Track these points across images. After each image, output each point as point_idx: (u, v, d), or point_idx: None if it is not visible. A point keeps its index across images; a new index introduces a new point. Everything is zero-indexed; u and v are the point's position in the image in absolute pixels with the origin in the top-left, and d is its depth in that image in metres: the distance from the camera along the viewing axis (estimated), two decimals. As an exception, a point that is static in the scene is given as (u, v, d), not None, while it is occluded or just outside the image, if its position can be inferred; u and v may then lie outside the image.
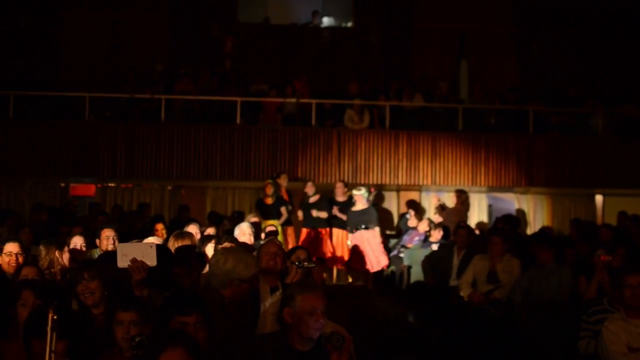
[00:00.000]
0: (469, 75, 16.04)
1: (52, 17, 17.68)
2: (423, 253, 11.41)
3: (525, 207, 16.11)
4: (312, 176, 14.13)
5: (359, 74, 16.48)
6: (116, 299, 4.17)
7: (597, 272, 6.99)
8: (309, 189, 13.07)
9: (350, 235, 12.66)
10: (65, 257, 6.50)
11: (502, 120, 15.46)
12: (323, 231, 12.93)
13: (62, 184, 15.33)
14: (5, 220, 9.80)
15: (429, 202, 15.47)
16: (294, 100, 14.98)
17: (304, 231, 12.99)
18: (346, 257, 12.78)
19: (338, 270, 13.29)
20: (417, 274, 11.41)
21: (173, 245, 6.45)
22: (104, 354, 3.97)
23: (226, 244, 6.08)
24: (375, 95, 15.60)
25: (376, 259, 12.51)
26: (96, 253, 7.20)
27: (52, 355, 3.25)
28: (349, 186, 13.33)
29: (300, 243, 12.60)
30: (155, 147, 14.41)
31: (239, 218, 12.31)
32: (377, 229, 12.60)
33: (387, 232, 14.89)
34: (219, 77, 16.06)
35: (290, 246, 11.65)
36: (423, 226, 13.04)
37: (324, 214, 12.75)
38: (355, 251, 12.60)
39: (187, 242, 6.52)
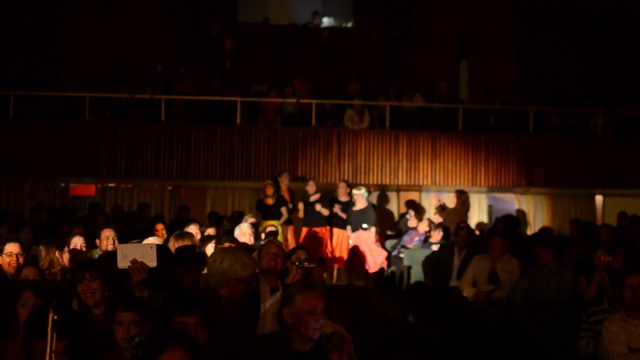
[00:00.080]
0: (469, 76, 16.04)
1: (52, 17, 17.68)
2: (423, 253, 11.41)
3: (525, 208, 16.11)
4: (312, 176, 14.12)
5: (359, 74, 16.48)
6: (116, 299, 4.17)
7: (597, 272, 7.00)
8: (310, 187, 13.09)
9: (351, 234, 12.70)
10: (65, 257, 6.50)
11: (502, 121, 15.45)
12: (323, 230, 12.94)
13: (62, 184, 15.33)
14: (5, 220, 9.80)
15: (429, 203, 15.47)
16: (294, 100, 14.98)
17: (304, 230, 13.00)
18: (346, 257, 12.80)
19: (338, 270, 13.29)
20: (417, 274, 11.41)
21: (173, 245, 6.45)
22: (104, 354, 3.97)
23: (226, 245, 6.08)
24: (376, 95, 15.60)
25: (373, 259, 12.53)
26: (96, 253, 7.20)
27: (52, 355, 3.25)
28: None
29: (300, 242, 12.61)
30: (155, 147, 14.41)
31: (239, 218, 12.31)
32: (373, 229, 12.62)
33: (388, 232, 14.92)
34: (219, 77, 16.06)
35: (290, 246, 11.67)
36: (423, 226, 13.05)
37: (325, 211, 12.79)
38: (355, 251, 12.63)
39: (187, 242, 6.52)
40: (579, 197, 16.17)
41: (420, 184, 14.92)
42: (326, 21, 19.30)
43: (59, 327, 3.26)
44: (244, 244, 7.02)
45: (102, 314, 4.42)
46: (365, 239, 12.56)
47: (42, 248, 6.54)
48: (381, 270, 13.06)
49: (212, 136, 14.53)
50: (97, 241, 7.30)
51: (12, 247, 6.28)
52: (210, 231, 8.70)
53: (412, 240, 12.91)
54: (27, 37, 17.52)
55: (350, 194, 12.95)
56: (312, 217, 12.89)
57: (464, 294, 8.48)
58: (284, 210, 12.74)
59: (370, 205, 12.99)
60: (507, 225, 11.58)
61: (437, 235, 12.22)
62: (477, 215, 15.68)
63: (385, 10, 18.94)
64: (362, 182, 14.31)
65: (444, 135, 14.94)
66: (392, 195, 15.79)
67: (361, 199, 12.75)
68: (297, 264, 5.63)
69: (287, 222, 12.90)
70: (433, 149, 14.84)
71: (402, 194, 15.72)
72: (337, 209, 12.79)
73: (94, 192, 15.57)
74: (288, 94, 15.02)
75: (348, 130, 14.78)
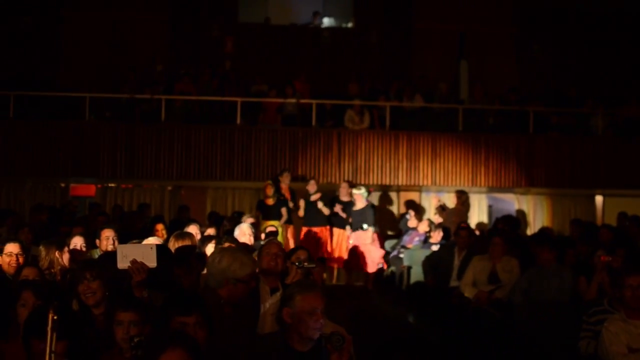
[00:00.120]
0: (469, 76, 16.04)
1: (52, 17, 17.68)
2: (423, 253, 11.41)
3: (525, 208, 16.10)
4: (312, 177, 14.12)
5: (359, 74, 16.48)
6: (116, 300, 4.17)
7: (597, 272, 6.99)
8: (311, 187, 13.10)
9: (351, 234, 12.71)
10: (65, 257, 6.50)
11: (502, 121, 15.45)
12: (323, 230, 12.94)
13: (62, 184, 15.33)
14: (5, 220, 9.80)
15: (429, 203, 15.47)
16: (294, 100, 14.98)
17: (304, 230, 13.00)
18: (345, 257, 12.81)
19: (338, 270, 13.30)
20: (417, 275, 11.41)
21: (173, 245, 6.44)
22: (104, 354, 3.97)
23: (226, 245, 6.08)
24: (376, 95, 15.60)
25: (370, 259, 12.55)
26: (96, 253, 7.20)
27: (52, 355, 3.25)
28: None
29: (300, 242, 12.62)
30: (155, 148, 14.41)
31: (239, 218, 12.32)
32: (370, 229, 12.63)
33: (389, 232, 14.92)
34: (219, 78, 16.06)
35: (290, 246, 11.68)
36: (423, 227, 13.05)
37: (326, 210, 12.80)
38: (354, 251, 12.65)
39: (187, 242, 6.52)
40: (579, 198, 16.17)
41: (421, 184, 14.92)
42: (326, 21, 19.31)
43: (58, 327, 3.26)
44: (244, 244, 7.01)
45: (102, 314, 4.42)
46: (364, 239, 12.58)
47: (42, 248, 6.54)
48: (381, 270, 13.07)
49: (212, 136, 14.53)
50: (97, 241, 7.30)
51: (12, 247, 6.28)
52: (210, 231, 8.70)
53: (412, 241, 12.91)
54: (27, 37, 17.53)
55: (351, 194, 12.97)
56: (313, 217, 12.89)
57: (465, 294, 8.48)
58: (284, 210, 12.75)
59: (370, 205, 12.99)
60: (507, 226, 11.58)
61: (437, 236, 12.22)
62: (477, 215, 15.68)
63: (386, 11, 18.94)
64: (362, 182, 14.30)
65: (444, 135, 14.94)
66: (392, 196, 15.79)
67: (361, 198, 12.77)
68: (297, 264, 5.63)
69: (287, 222, 12.91)
70: (433, 149, 14.84)
71: (402, 194, 15.72)
72: (338, 208, 12.80)
73: (94, 192, 15.57)
74: (288, 94, 15.02)
75: (348, 131, 14.78)
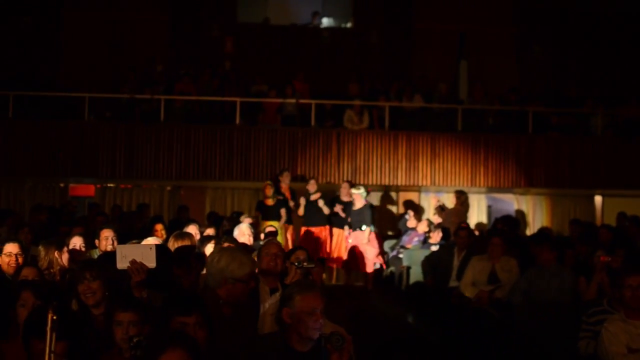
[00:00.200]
0: (469, 76, 16.03)
1: (52, 17, 17.68)
2: (422, 254, 11.41)
3: (524, 208, 16.11)
4: (311, 177, 14.12)
5: (358, 74, 16.48)
6: (115, 300, 4.17)
7: (596, 273, 6.99)
8: (311, 186, 13.10)
9: (351, 234, 12.72)
10: (65, 257, 6.50)
11: (502, 121, 15.45)
12: (323, 230, 12.95)
13: (62, 185, 15.33)
14: (4, 220, 9.80)
15: (428, 203, 15.47)
16: (293, 100, 14.98)
17: (304, 230, 13.00)
18: (344, 257, 12.82)
19: (337, 271, 13.30)
20: (416, 275, 11.41)
21: (173, 245, 6.44)
22: (103, 354, 3.97)
23: (225, 245, 6.08)
24: (375, 95, 15.61)
25: (367, 259, 12.56)
26: (95, 253, 7.20)
27: (52, 355, 3.25)
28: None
29: (299, 242, 12.62)
30: (154, 148, 14.41)
31: (238, 219, 12.32)
32: (367, 230, 12.63)
33: (389, 232, 14.92)
34: (220, 78, 16.07)
35: (290, 246, 11.68)
36: (422, 227, 13.06)
37: (326, 209, 12.81)
38: (352, 251, 12.66)
39: (186, 242, 6.51)
40: (579, 198, 16.17)
41: (420, 184, 14.92)
42: (326, 21, 19.31)
43: (58, 328, 3.26)
44: (243, 245, 7.01)
45: (101, 314, 4.42)
46: (361, 239, 12.59)
47: (41, 248, 6.53)
48: (380, 270, 13.08)
49: (212, 136, 14.53)
50: (97, 241, 7.30)
51: (11, 247, 6.28)
52: (210, 231, 8.69)
53: (411, 241, 12.92)
54: (27, 37, 17.52)
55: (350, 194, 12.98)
56: (312, 216, 12.90)
57: (466, 294, 8.48)
58: (283, 212, 12.74)
59: (368, 205, 12.99)
60: (507, 226, 11.58)
61: (436, 236, 12.22)
62: (477, 215, 15.68)
63: (385, 11, 18.94)
64: (362, 182, 14.30)
65: (443, 135, 14.94)
66: (391, 196, 15.79)
67: (359, 198, 12.77)
68: (296, 264, 5.63)
69: (287, 222, 12.91)
70: (432, 150, 14.84)
71: (402, 194, 15.73)
72: (338, 208, 12.80)
73: (94, 193, 15.58)
74: (288, 94, 15.03)
75: (347, 131, 14.78)
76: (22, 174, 14.50)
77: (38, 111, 14.61)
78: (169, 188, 15.52)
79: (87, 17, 17.51)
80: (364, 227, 12.60)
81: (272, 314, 4.58)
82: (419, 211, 15.10)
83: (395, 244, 13.33)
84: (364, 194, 12.91)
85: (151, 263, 4.58)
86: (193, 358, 3.07)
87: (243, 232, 7.77)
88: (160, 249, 4.99)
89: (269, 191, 12.78)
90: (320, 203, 12.83)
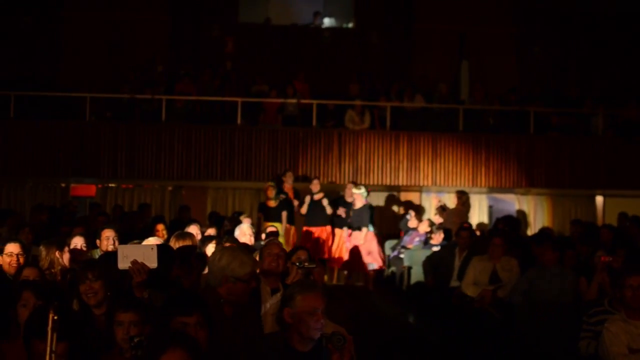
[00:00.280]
0: (470, 76, 16.03)
1: (52, 17, 17.68)
2: (423, 254, 11.42)
3: (525, 208, 16.11)
4: (316, 176, 14.11)
5: (359, 74, 16.48)
6: (116, 300, 4.17)
7: (597, 273, 6.99)
8: (315, 186, 13.11)
9: (352, 234, 12.73)
10: (66, 257, 6.50)
11: (503, 121, 15.45)
12: (324, 230, 12.95)
13: (63, 185, 15.33)
14: (5, 220, 9.80)
15: (430, 203, 15.47)
16: (294, 101, 14.98)
17: (305, 229, 13.01)
18: (344, 258, 12.82)
19: (339, 271, 13.31)
20: (417, 275, 11.42)
21: (174, 245, 6.44)
22: (104, 354, 3.97)
23: (227, 245, 6.08)
24: (376, 96, 15.61)
25: (365, 259, 12.57)
26: (96, 253, 7.20)
27: (53, 355, 3.25)
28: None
29: (300, 242, 12.63)
30: (155, 148, 14.42)
31: (239, 218, 12.32)
32: (364, 230, 12.63)
33: (389, 232, 14.92)
34: (220, 78, 16.07)
35: (292, 246, 11.67)
36: (423, 227, 13.06)
37: (329, 209, 12.82)
38: (351, 252, 12.66)
39: (188, 242, 6.50)
40: (580, 198, 16.17)
41: (421, 184, 14.93)
42: (327, 22, 19.30)
43: (59, 328, 3.26)
44: (245, 245, 7.01)
45: (103, 314, 4.42)
46: (359, 239, 12.61)
47: (42, 248, 6.53)
48: (381, 270, 13.08)
49: (213, 136, 14.54)
50: (98, 241, 7.29)
51: (12, 248, 6.28)
52: (211, 231, 8.70)
53: (412, 241, 12.92)
54: (28, 37, 17.52)
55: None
56: (315, 216, 12.91)
57: (469, 293, 8.48)
58: (284, 214, 12.74)
59: (368, 205, 12.99)
60: (508, 226, 11.59)
61: (438, 238, 12.21)
62: (478, 215, 15.68)
63: (386, 11, 18.94)
64: (363, 182, 14.29)
65: (444, 135, 14.94)
66: (392, 196, 15.79)
67: (360, 198, 12.78)
68: (297, 264, 5.63)
69: (289, 222, 12.92)
70: (433, 150, 14.84)
71: (403, 194, 15.73)
72: (341, 211, 12.81)
73: (95, 193, 15.58)
74: (289, 94, 15.03)
75: (348, 131, 14.78)
76: (22, 174, 14.50)
77: (38, 111, 14.61)
78: (170, 188, 15.52)
79: (87, 17, 17.50)
80: (364, 229, 12.62)
81: (273, 313, 4.58)
82: (420, 211, 15.09)
83: (397, 244, 13.34)
84: (365, 193, 12.92)
85: (152, 263, 4.58)
86: (193, 358, 3.07)
87: (244, 232, 7.78)
88: (163, 248, 4.99)
89: (271, 193, 12.78)
90: (325, 202, 12.85)
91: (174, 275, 5.13)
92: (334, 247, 12.96)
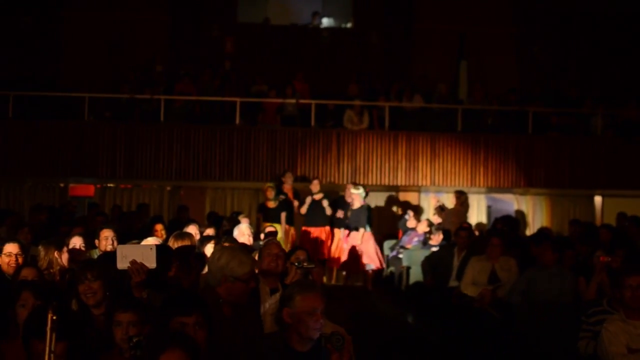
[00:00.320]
0: (469, 76, 16.03)
1: (52, 17, 17.67)
2: (422, 254, 11.42)
3: (524, 208, 16.11)
4: (311, 177, 14.11)
5: (358, 74, 16.48)
6: (115, 300, 4.17)
7: (596, 273, 6.99)
8: (315, 186, 13.11)
9: (350, 234, 12.73)
10: (64, 257, 6.49)
11: (502, 121, 15.45)
12: (323, 231, 12.95)
13: (62, 184, 15.33)
14: (4, 220, 9.79)
15: (428, 203, 15.47)
16: (293, 101, 14.98)
17: (305, 230, 13.01)
18: (342, 258, 12.82)
19: (338, 271, 13.31)
20: (416, 275, 11.42)
21: (173, 245, 6.44)
22: (103, 354, 3.97)
23: (226, 245, 6.08)
24: (375, 96, 15.61)
25: (364, 257, 12.57)
26: (95, 253, 7.19)
27: (52, 356, 3.25)
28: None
29: (299, 242, 12.63)
30: (154, 148, 14.41)
31: (238, 219, 12.32)
32: (361, 230, 12.63)
33: (388, 232, 14.92)
34: (220, 78, 16.07)
35: (291, 246, 11.67)
36: (422, 227, 13.05)
37: (329, 210, 12.82)
38: (349, 252, 12.66)
39: (186, 242, 6.50)
40: (579, 198, 16.17)
41: (420, 184, 14.93)
42: (326, 22, 19.31)
43: (58, 328, 3.26)
44: (243, 245, 7.01)
45: (102, 314, 4.42)
46: (356, 239, 12.61)
47: (41, 248, 6.52)
48: (380, 270, 13.08)
49: (212, 136, 14.53)
50: (96, 241, 7.29)
51: (11, 248, 6.27)
52: (210, 231, 8.69)
53: (411, 241, 12.92)
54: (28, 37, 17.52)
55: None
56: (314, 217, 12.91)
57: (469, 293, 8.47)
58: (283, 215, 12.74)
59: (366, 206, 12.98)
60: (506, 226, 11.59)
61: (437, 239, 12.21)
62: (476, 215, 15.68)
63: (385, 11, 18.94)
64: (362, 182, 14.29)
65: (443, 135, 14.94)
66: (391, 196, 15.78)
67: (358, 198, 12.77)
68: (296, 264, 5.63)
69: (288, 222, 12.91)
70: (432, 150, 14.84)
71: (401, 194, 15.73)
72: (340, 214, 12.82)
73: (93, 193, 15.58)
74: (288, 94, 15.02)
75: (347, 131, 14.78)
76: (21, 173, 14.50)
77: (38, 111, 14.61)
78: (168, 188, 15.52)
79: (87, 17, 17.50)
80: (360, 230, 12.62)
81: (272, 313, 4.58)
82: (418, 211, 15.09)
83: (395, 244, 13.34)
84: (363, 194, 12.92)
85: (151, 263, 4.58)
86: (192, 358, 3.07)
87: (243, 232, 7.78)
88: (160, 249, 4.99)
89: (271, 194, 12.79)
90: (325, 203, 12.84)
91: (171, 276, 5.12)
92: (332, 248, 12.96)
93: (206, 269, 5.82)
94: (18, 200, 14.95)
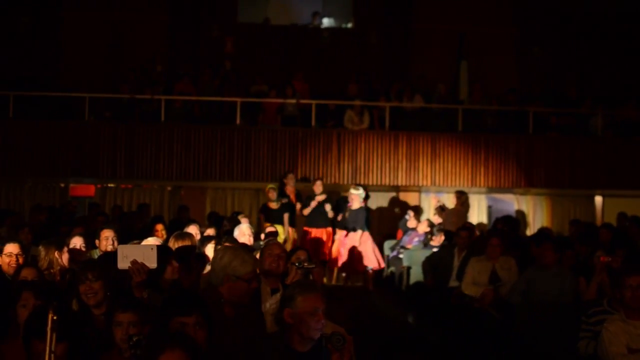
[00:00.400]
0: (469, 76, 16.03)
1: (52, 17, 17.67)
2: (423, 254, 11.42)
3: (524, 208, 16.11)
4: (312, 177, 14.11)
5: (358, 74, 16.48)
6: (116, 300, 4.17)
7: (596, 273, 6.99)
8: (317, 187, 13.10)
9: (348, 235, 12.72)
10: (65, 257, 6.49)
11: (502, 121, 15.45)
12: (324, 232, 12.95)
13: (62, 185, 15.33)
14: (4, 220, 9.79)
15: (429, 203, 15.47)
16: (293, 101, 14.98)
17: (306, 230, 13.00)
18: (341, 258, 12.82)
19: (338, 271, 13.30)
20: (416, 275, 11.42)
21: (173, 245, 6.44)
22: (103, 354, 3.97)
23: (227, 245, 6.08)
24: (375, 96, 15.61)
25: (361, 258, 12.57)
26: (96, 254, 7.20)
27: (52, 356, 3.25)
28: (348, 187, 13.37)
29: (301, 243, 12.63)
30: (155, 148, 14.41)
31: (238, 218, 12.32)
32: (359, 232, 12.63)
33: (387, 233, 14.91)
34: (220, 78, 16.07)
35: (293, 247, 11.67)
36: (422, 227, 13.05)
37: (332, 213, 12.82)
38: (349, 252, 12.66)
39: (187, 242, 6.51)
40: (579, 198, 16.17)
41: (420, 184, 14.92)
42: (326, 22, 19.31)
43: (58, 328, 3.26)
44: (244, 245, 7.01)
45: (102, 314, 4.42)
46: (355, 240, 12.61)
47: (41, 248, 6.52)
48: (380, 270, 13.08)
49: (212, 137, 14.53)
50: (97, 242, 7.29)
51: (11, 248, 6.28)
52: (210, 232, 8.69)
53: (411, 241, 12.91)
54: (27, 37, 17.52)
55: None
56: (316, 218, 12.90)
57: (471, 293, 8.47)
58: (286, 217, 12.74)
59: (364, 208, 12.96)
60: (507, 226, 11.59)
61: (438, 239, 12.20)
62: (477, 215, 15.68)
63: (385, 11, 18.95)
64: (362, 182, 14.30)
65: (443, 135, 14.94)
66: (391, 196, 15.78)
67: (357, 199, 12.76)
68: (296, 264, 5.64)
69: (290, 223, 12.91)
70: (433, 150, 14.84)
71: (402, 194, 15.73)
72: (341, 217, 12.81)
73: (94, 193, 15.57)
74: (288, 94, 15.02)
75: (348, 131, 14.78)
76: (21, 174, 14.50)
77: (37, 111, 14.61)
78: (169, 188, 15.52)
79: (87, 17, 17.50)
80: (358, 230, 12.62)
81: (272, 313, 4.58)
82: (418, 211, 15.09)
83: (396, 244, 13.33)
84: (363, 194, 12.90)
85: (152, 263, 4.58)
86: (192, 358, 3.08)
87: (243, 232, 7.79)
88: (162, 249, 4.99)
89: (273, 195, 12.78)
90: (328, 207, 12.82)
91: (166, 278, 5.11)
92: (333, 249, 12.96)
93: (207, 269, 5.83)
94: (18, 200, 14.95)
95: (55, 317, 3.22)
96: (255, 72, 16.34)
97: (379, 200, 15.56)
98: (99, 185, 15.37)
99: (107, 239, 7.13)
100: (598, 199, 16.09)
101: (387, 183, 14.83)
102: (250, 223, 9.96)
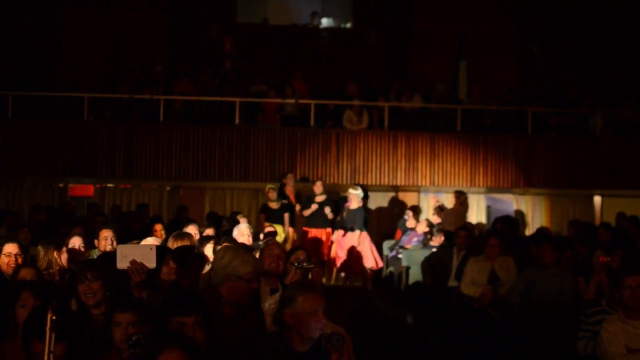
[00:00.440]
0: (469, 76, 16.04)
1: (51, 17, 17.67)
2: (422, 254, 11.42)
3: (523, 208, 16.11)
4: (311, 177, 14.11)
5: (358, 74, 16.48)
6: (115, 300, 4.17)
7: (595, 273, 6.99)
8: (317, 188, 13.10)
9: (346, 235, 12.72)
10: (64, 257, 6.49)
11: (501, 121, 15.46)
12: (324, 232, 12.95)
13: (61, 185, 15.32)
14: (3, 220, 9.79)
15: (428, 203, 15.47)
16: (293, 101, 14.98)
17: (305, 230, 13.00)
18: (340, 258, 12.82)
19: (338, 271, 13.30)
20: (415, 275, 11.42)
21: (172, 245, 6.44)
22: (102, 354, 3.97)
23: (226, 245, 6.08)
24: (375, 96, 15.61)
25: (360, 259, 12.58)
26: (95, 254, 7.19)
27: (51, 356, 3.24)
28: (347, 187, 13.37)
29: (300, 243, 12.63)
30: (154, 148, 14.41)
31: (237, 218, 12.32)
32: (357, 232, 12.63)
33: (386, 233, 14.91)
34: (219, 78, 16.07)
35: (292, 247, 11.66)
36: (422, 227, 13.05)
37: (331, 215, 12.82)
38: (347, 252, 12.66)
39: (186, 242, 6.51)
40: (578, 198, 16.17)
41: (419, 184, 14.93)
42: (325, 22, 19.31)
43: (57, 328, 3.26)
44: (243, 245, 7.01)
45: (101, 314, 4.42)
46: (352, 240, 12.61)
47: (40, 248, 6.53)
48: (379, 270, 13.08)
49: (211, 137, 14.53)
50: (96, 242, 7.29)
51: (10, 248, 6.27)
52: (209, 232, 8.69)
53: (410, 241, 12.91)
54: (27, 37, 17.52)
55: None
56: (316, 219, 12.90)
57: (471, 293, 8.47)
58: (286, 216, 12.74)
59: (362, 208, 12.97)
60: (506, 226, 11.58)
61: (438, 240, 12.20)
62: (476, 215, 15.68)
63: (385, 11, 18.95)
64: (361, 182, 14.30)
65: (442, 135, 14.94)
66: (390, 196, 15.79)
67: (356, 199, 12.76)
68: (296, 264, 5.64)
69: (291, 225, 12.91)
70: (432, 150, 14.84)
71: (401, 194, 15.73)
72: (339, 217, 12.82)
73: (93, 193, 15.57)
74: (287, 94, 15.02)
75: (347, 131, 14.78)
76: (20, 174, 14.50)
77: (37, 111, 14.60)
78: (168, 188, 15.52)
79: (87, 17, 17.50)
80: (356, 230, 12.63)
81: (272, 314, 4.59)
82: (417, 211, 15.09)
83: (395, 244, 13.33)
84: (361, 194, 12.90)
85: (151, 263, 4.58)
86: (191, 358, 3.07)
87: (242, 233, 7.78)
88: (161, 250, 4.99)
89: (273, 195, 12.78)
90: (327, 210, 12.82)
91: (163, 278, 5.11)
92: (332, 248, 12.96)
93: (206, 269, 5.83)
94: (17, 200, 14.95)
95: (54, 317, 3.22)
96: (254, 72, 16.35)
97: (378, 200, 15.57)
98: (98, 185, 15.37)
99: (106, 239, 7.13)
100: (597, 199, 16.09)
101: (386, 183, 14.84)
102: (249, 223, 9.95)
